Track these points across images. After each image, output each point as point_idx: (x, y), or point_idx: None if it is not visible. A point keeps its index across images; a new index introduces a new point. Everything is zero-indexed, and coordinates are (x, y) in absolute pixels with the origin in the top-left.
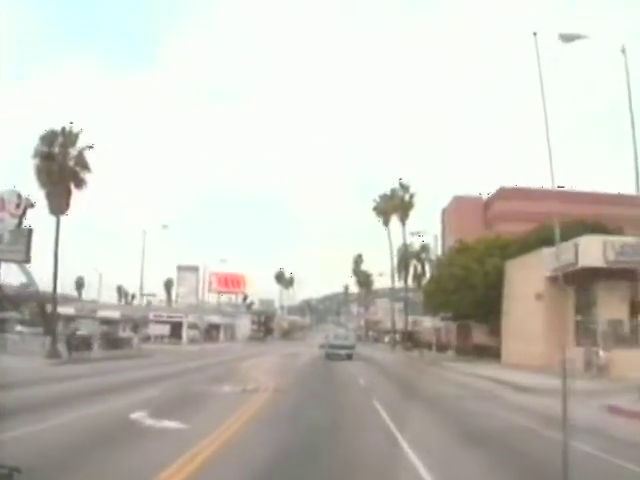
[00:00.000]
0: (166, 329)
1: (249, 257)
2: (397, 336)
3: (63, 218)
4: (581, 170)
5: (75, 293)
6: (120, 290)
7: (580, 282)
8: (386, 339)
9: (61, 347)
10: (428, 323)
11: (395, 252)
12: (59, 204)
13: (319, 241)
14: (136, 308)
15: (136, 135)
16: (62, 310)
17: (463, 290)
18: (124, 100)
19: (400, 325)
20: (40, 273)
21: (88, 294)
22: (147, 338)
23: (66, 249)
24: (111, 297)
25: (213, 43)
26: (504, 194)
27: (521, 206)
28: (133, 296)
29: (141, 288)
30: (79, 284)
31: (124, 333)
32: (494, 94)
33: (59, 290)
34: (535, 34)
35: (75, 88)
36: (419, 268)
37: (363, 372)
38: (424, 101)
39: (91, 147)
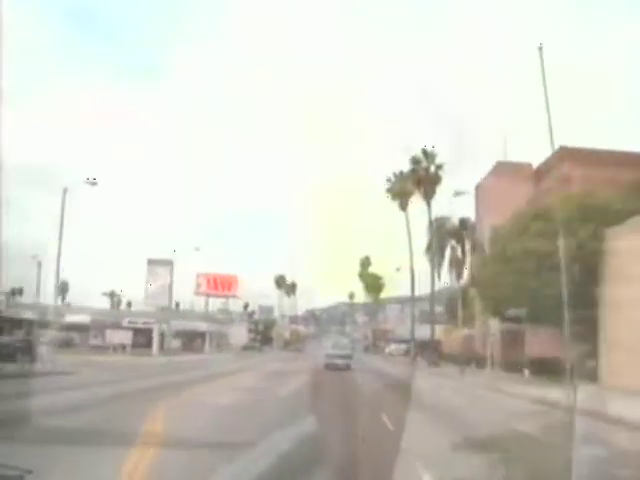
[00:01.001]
0: (128, 336)
1: (252, 265)
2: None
3: None
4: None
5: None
6: (112, 295)
7: None
8: (387, 350)
9: None
10: (463, 331)
11: (415, 241)
12: None
13: (324, 249)
14: (108, 312)
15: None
16: (28, 315)
17: (553, 273)
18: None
19: (417, 334)
20: None
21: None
22: (104, 347)
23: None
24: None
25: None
26: (566, 156)
27: (591, 171)
28: (129, 303)
29: (57, 280)
30: (63, 289)
31: (96, 340)
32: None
33: None
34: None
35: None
36: (458, 251)
37: (414, 431)
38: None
39: None
